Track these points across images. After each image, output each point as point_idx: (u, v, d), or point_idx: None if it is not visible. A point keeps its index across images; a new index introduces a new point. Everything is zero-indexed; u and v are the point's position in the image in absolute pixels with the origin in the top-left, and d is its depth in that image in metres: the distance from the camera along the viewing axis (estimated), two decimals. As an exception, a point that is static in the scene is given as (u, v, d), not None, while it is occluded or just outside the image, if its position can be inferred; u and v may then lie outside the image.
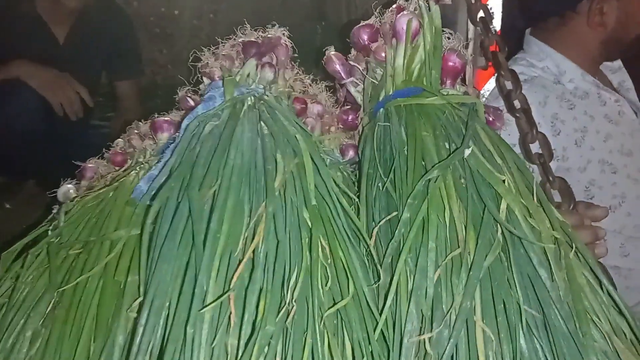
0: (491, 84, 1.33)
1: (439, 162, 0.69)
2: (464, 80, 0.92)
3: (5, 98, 1.58)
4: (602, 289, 0.66)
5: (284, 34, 0.90)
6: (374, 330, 0.58)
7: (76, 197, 0.91)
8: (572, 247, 0.65)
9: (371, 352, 0.56)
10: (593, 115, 1.33)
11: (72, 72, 1.76)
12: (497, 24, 1.31)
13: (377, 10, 0.92)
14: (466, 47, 1.26)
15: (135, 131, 0.94)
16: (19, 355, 0.63)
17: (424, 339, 0.57)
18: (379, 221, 0.70)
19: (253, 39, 0.90)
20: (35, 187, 1.87)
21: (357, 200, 0.74)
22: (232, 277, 0.56)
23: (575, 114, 1.30)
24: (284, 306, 0.54)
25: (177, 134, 0.89)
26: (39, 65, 1.66)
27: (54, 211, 0.94)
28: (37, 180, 1.78)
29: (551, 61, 1.36)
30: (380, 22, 0.91)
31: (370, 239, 0.67)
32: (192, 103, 0.94)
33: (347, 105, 0.99)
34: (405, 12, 0.85)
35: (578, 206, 0.87)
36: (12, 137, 1.58)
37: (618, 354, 0.61)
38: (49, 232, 0.78)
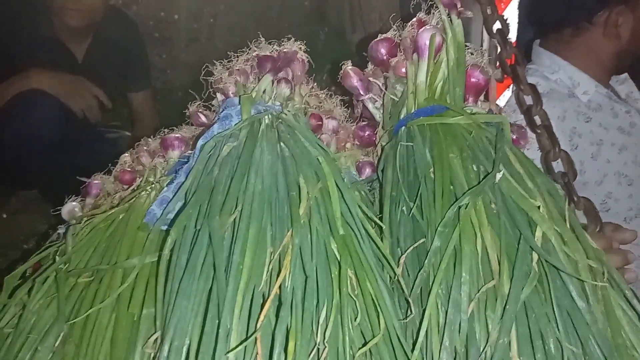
0: (505, 97, 1.30)
1: (469, 187, 0.66)
2: (486, 97, 0.89)
3: (26, 108, 1.55)
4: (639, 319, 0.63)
5: (300, 48, 0.87)
6: (407, 368, 0.55)
7: (82, 216, 0.87)
8: (609, 278, 0.62)
9: (404, 393, 0.53)
10: (607, 128, 1.31)
11: None
12: (512, 35, 1.28)
13: (395, 24, 0.89)
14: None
15: (145, 148, 0.91)
16: (26, 395, 0.60)
17: (460, 379, 0.54)
18: (406, 248, 0.66)
19: (268, 53, 0.87)
20: (29, 193, 1.84)
21: (380, 223, 0.71)
22: (256, 314, 0.52)
23: (591, 127, 1.27)
24: (314, 347, 0.50)
25: (188, 151, 0.86)
26: (54, 72, 1.65)
27: (59, 230, 0.90)
28: (40, 189, 1.75)
29: (564, 73, 1.34)
30: (399, 35, 0.88)
31: (397, 267, 0.64)
32: (203, 119, 0.91)
33: (363, 121, 0.95)
34: (427, 27, 0.82)
35: (605, 228, 0.84)
36: (25, 147, 1.55)
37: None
38: (56, 257, 0.74)
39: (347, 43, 2.71)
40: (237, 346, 0.48)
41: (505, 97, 1.31)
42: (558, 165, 0.95)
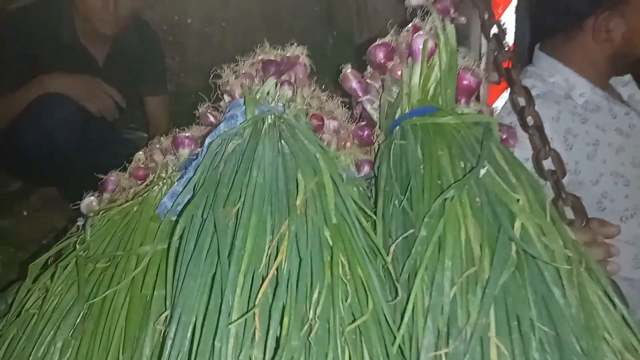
0: (503, 98, 1.35)
1: (455, 181, 0.71)
2: (477, 98, 0.94)
3: (45, 111, 1.63)
4: (614, 307, 0.68)
5: (302, 52, 0.93)
6: (392, 345, 0.60)
7: (99, 209, 0.94)
8: (585, 266, 0.67)
9: (390, 367, 0.58)
10: (604, 129, 1.34)
11: None
12: (509, 39, 1.33)
13: (393, 29, 0.95)
14: (479, 61, 1.28)
15: (157, 146, 0.97)
16: (49, 365, 0.66)
17: (441, 354, 0.59)
18: (396, 238, 0.72)
19: (272, 58, 0.93)
20: (49, 192, 1.92)
21: (373, 216, 0.76)
22: (256, 293, 0.58)
23: (587, 128, 1.31)
24: (306, 322, 0.56)
25: (198, 149, 0.92)
26: (70, 75, 1.73)
27: (78, 223, 0.97)
28: (59, 187, 1.83)
29: (560, 76, 1.38)
30: (396, 40, 0.93)
31: (387, 256, 0.69)
32: (212, 119, 0.97)
33: (362, 121, 1.01)
34: (421, 32, 0.88)
35: (591, 223, 0.89)
36: (45, 148, 1.63)
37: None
38: (76, 246, 0.81)
39: (355, 47, 2.77)
40: (237, 319, 0.54)
41: (503, 99, 1.36)
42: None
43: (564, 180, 1.04)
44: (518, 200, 0.69)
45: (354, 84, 0.96)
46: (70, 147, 1.65)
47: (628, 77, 1.53)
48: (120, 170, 1.04)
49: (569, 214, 0.96)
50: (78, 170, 1.67)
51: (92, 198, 1.00)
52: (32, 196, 1.92)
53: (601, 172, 1.31)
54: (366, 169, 0.97)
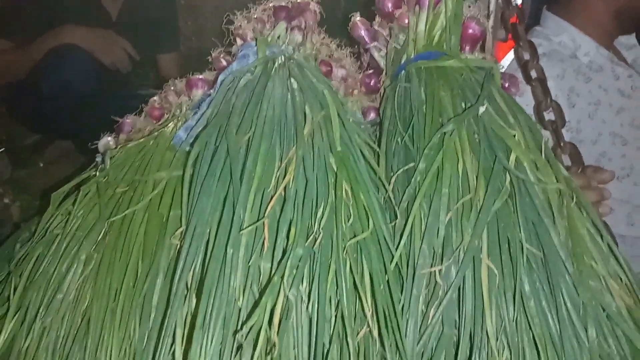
0: (510, 55, 1.37)
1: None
2: (482, 49, 0.97)
3: (60, 61, 1.67)
4: (602, 239, 0.72)
5: (312, -1, 0.96)
6: (390, 263, 0.65)
7: (115, 148, 0.98)
8: (575, 200, 0.71)
9: (387, 281, 0.63)
10: (607, 89, 1.37)
11: None
12: (517, -2, 1.34)
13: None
14: (487, 18, 1.30)
15: (172, 88, 1.01)
16: (74, 277, 0.72)
17: (435, 272, 0.64)
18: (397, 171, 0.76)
19: (283, 4, 0.96)
20: (64, 145, 1.97)
21: (377, 149, 0.80)
22: (265, 209, 0.63)
23: (590, 88, 1.33)
24: (311, 234, 0.61)
25: (210, 90, 0.96)
26: (84, 27, 1.76)
27: (98, 159, 1.02)
28: (74, 141, 1.88)
29: (567, 35, 1.39)
30: (404, -11, 0.96)
31: (389, 186, 0.73)
32: (225, 63, 1.00)
33: (370, 70, 1.04)
34: (428, -20, 0.90)
35: (586, 170, 0.92)
36: (61, 98, 1.67)
37: (612, 294, 0.67)
38: (97, 174, 0.85)
39: (367, 8, 2.76)
40: (248, 226, 0.59)
41: (511, 56, 1.38)
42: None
43: (565, 138, 1.07)
44: (514, 135, 0.72)
45: (362, 32, 0.99)
46: (85, 98, 1.69)
47: (633, 41, 1.54)
48: (135, 114, 1.09)
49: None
50: (92, 123, 1.71)
51: (109, 138, 1.05)
52: (48, 149, 1.98)
53: (600, 131, 1.34)
54: (372, 115, 1.00)
